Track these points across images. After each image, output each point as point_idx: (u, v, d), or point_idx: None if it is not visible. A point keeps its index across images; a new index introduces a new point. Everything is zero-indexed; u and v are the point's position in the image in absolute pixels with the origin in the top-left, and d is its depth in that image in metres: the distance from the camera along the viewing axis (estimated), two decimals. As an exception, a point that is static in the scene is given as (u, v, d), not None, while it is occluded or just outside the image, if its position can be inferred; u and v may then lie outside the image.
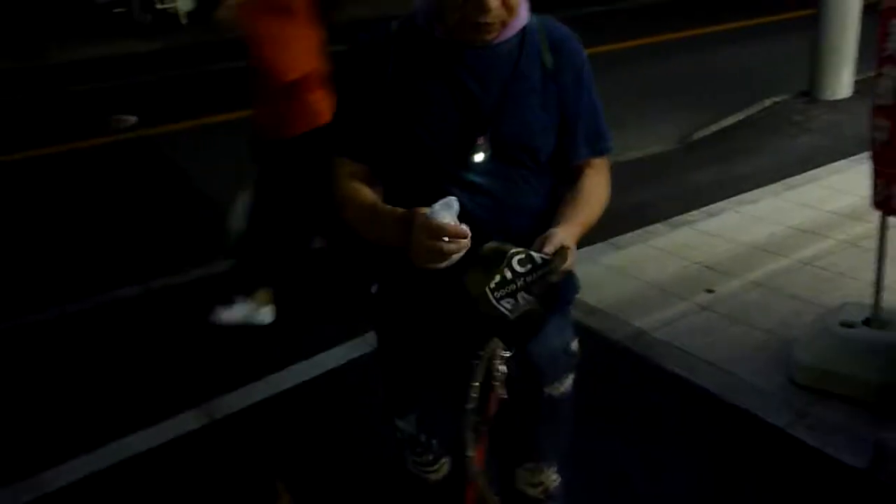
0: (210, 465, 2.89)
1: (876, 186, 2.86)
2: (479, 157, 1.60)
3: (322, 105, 3.48)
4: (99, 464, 2.90)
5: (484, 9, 1.51)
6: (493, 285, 1.47)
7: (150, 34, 13.02)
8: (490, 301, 1.48)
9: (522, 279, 1.48)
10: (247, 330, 3.83)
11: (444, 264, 1.45)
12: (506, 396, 1.61)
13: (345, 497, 2.71)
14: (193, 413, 3.17)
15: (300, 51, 3.55)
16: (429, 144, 1.61)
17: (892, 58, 2.69)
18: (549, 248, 1.48)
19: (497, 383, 1.59)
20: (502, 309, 1.48)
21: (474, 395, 1.56)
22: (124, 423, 3.10)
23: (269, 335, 3.80)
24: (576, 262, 1.56)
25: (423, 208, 1.47)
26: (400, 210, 1.55)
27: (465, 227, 1.45)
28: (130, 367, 3.60)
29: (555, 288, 1.50)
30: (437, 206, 1.46)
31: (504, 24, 1.57)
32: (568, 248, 1.50)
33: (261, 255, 3.84)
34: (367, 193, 1.66)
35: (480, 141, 1.59)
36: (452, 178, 1.61)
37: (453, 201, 1.47)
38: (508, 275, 1.47)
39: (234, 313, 3.80)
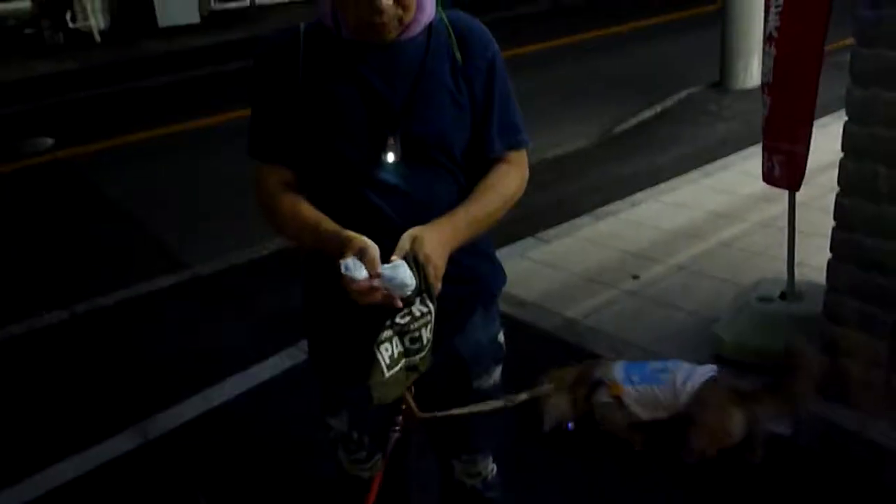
0: (145, 487, 2.84)
1: (762, 160, 3.02)
2: (390, 157, 1.59)
3: None
4: (30, 493, 2.82)
5: (376, 9, 1.49)
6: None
7: (64, 54, 12.66)
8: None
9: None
10: (180, 346, 3.78)
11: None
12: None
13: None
14: (128, 434, 3.11)
15: None
16: (340, 147, 1.60)
17: (771, 37, 2.84)
18: (394, 256, 1.48)
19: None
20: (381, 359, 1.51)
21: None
22: (56, 449, 3.02)
23: (201, 349, 3.75)
24: (440, 260, 1.53)
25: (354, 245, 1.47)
26: (342, 235, 1.51)
27: (373, 283, 1.45)
28: (59, 392, 3.51)
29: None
30: (349, 261, 1.45)
31: (402, 22, 1.56)
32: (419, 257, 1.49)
33: None
34: (308, 210, 1.62)
35: (391, 141, 1.58)
36: (366, 179, 1.60)
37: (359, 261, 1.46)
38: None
39: None
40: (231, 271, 4.65)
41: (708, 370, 2.69)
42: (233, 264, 4.71)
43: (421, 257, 1.49)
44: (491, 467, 1.99)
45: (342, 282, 1.45)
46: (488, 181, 1.69)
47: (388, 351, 1.50)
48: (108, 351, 3.86)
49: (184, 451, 3.02)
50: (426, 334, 1.52)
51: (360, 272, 1.44)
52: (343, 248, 1.48)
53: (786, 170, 2.97)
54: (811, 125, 2.89)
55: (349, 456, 1.90)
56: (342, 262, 1.45)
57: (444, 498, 2.10)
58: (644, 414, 2.69)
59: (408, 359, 1.53)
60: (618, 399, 2.68)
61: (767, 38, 2.88)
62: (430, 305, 1.51)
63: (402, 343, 1.52)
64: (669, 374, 2.67)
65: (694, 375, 2.65)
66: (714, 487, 2.60)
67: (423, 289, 1.49)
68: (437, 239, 1.53)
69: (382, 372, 1.50)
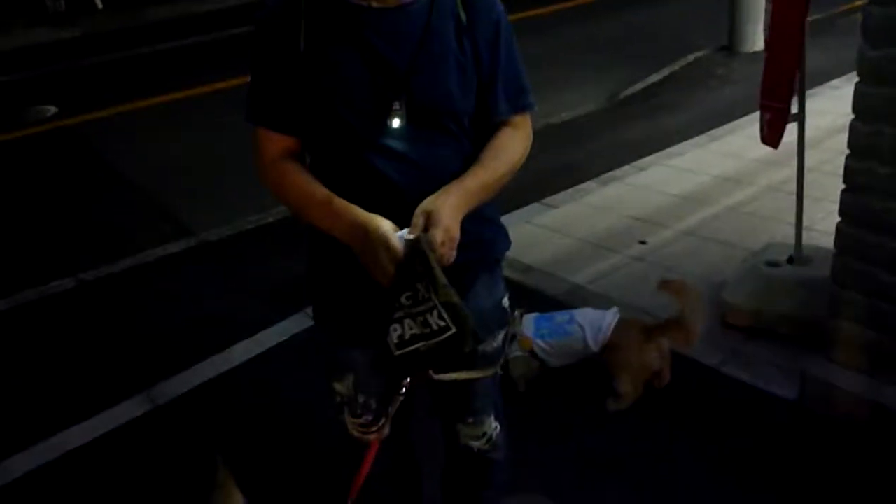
0: (155, 451, 2.87)
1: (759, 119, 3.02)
2: (396, 123, 1.57)
3: None
4: (41, 459, 2.85)
5: None
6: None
7: (66, 21, 12.57)
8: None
9: (407, 309, 1.52)
10: (187, 313, 3.80)
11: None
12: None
13: (290, 470, 2.72)
14: (137, 400, 3.13)
15: None
16: (344, 112, 1.58)
17: None
18: (415, 231, 1.49)
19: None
20: (390, 338, 1.53)
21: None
22: (68, 414, 3.05)
23: (208, 316, 3.76)
24: (455, 237, 1.54)
25: (385, 222, 1.49)
26: (360, 215, 1.52)
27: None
28: (69, 358, 3.54)
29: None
30: (405, 233, 1.48)
31: None
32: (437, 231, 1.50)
33: None
34: (316, 185, 1.60)
35: (396, 106, 1.56)
36: (371, 144, 1.58)
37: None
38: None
39: None
40: (238, 237, 4.66)
41: (612, 314, 2.86)
42: (240, 230, 4.73)
43: (440, 233, 1.49)
44: (494, 425, 2.00)
45: (383, 246, 1.47)
46: (495, 145, 1.68)
47: (396, 331, 1.51)
48: (116, 318, 3.88)
49: (192, 417, 3.04)
50: (434, 320, 1.51)
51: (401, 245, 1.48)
52: (366, 228, 1.49)
53: (769, 128, 2.99)
54: (792, 83, 2.89)
55: (355, 420, 1.90)
56: (401, 231, 1.48)
57: (450, 463, 2.12)
58: (555, 362, 2.90)
59: (427, 342, 1.53)
60: (530, 352, 2.86)
61: None
62: (433, 295, 1.49)
63: (415, 325, 1.51)
64: (576, 325, 2.87)
65: (602, 323, 2.83)
66: (720, 448, 2.61)
67: (425, 276, 1.47)
68: (452, 209, 1.53)
69: (392, 351, 1.51)
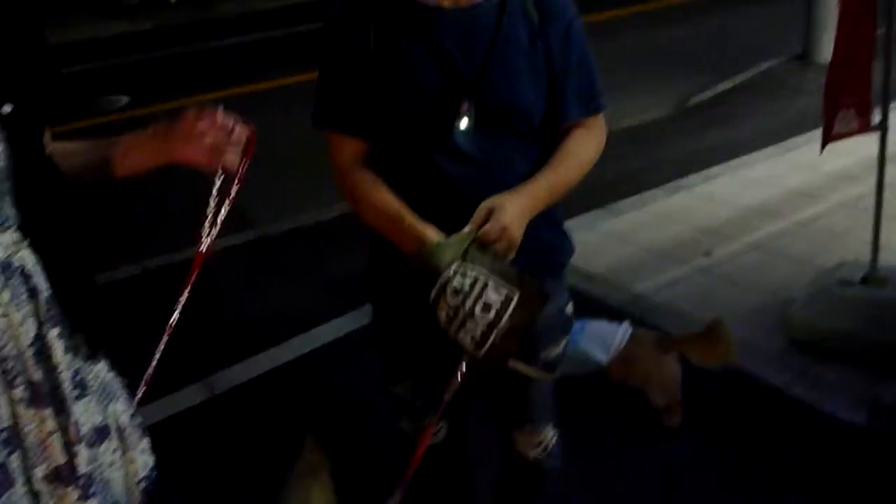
0: (212, 439, 2.90)
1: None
2: (463, 124, 1.56)
3: None
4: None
5: None
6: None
7: (140, 14, 12.91)
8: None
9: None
10: (245, 305, 3.83)
11: None
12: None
13: (340, 463, 2.71)
14: (195, 388, 3.17)
15: None
16: (412, 112, 1.57)
17: None
18: (481, 225, 1.50)
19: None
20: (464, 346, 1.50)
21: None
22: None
23: (264, 311, 3.79)
24: (518, 235, 1.54)
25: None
26: (428, 233, 1.53)
27: None
28: (128, 344, 3.59)
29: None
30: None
31: None
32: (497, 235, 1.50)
33: None
34: (389, 199, 1.59)
35: (465, 107, 1.55)
36: (438, 145, 1.57)
37: None
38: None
39: None
40: (297, 232, 4.69)
41: (624, 328, 2.74)
42: (299, 226, 4.76)
43: (493, 228, 1.48)
44: (552, 434, 1.97)
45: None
46: (567, 147, 1.65)
47: (467, 336, 1.50)
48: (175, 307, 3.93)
49: (248, 407, 3.07)
50: (493, 297, 1.48)
51: None
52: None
53: (824, 131, 2.95)
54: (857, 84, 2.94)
55: (414, 423, 1.89)
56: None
57: (504, 470, 2.09)
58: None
59: (499, 327, 1.49)
60: None
61: None
62: (479, 272, 1.48)
63: (479, 317, 1.48)
64: (582, 335, 2.71)
65: (615, 336, 2.71)
66: (784, 472, 2.52)
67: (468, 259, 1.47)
68: (517, 209, 1.51)
69: (474, 355, 1.51)
